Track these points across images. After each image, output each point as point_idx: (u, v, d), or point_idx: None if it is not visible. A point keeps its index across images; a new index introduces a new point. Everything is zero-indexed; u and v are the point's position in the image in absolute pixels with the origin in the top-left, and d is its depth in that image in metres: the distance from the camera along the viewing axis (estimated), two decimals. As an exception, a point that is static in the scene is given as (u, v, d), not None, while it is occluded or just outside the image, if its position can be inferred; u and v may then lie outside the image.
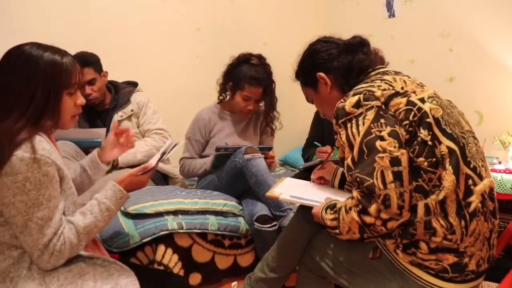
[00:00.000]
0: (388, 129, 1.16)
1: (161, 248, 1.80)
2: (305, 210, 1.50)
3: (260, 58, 2.30)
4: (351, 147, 1.19)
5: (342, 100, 1.25)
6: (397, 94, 1.22)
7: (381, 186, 1.12)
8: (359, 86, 1.28)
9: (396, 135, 1.16)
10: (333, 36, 1.50)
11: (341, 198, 1.33)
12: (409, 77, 1.35)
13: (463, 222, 1.16)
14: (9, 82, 1.14)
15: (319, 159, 2.31)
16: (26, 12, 2.56)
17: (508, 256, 2.16)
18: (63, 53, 1.20)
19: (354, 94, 1.23)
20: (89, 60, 2.30)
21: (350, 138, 1.20)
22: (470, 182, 1.19)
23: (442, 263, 1.17)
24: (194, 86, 3.08)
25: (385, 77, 1.30)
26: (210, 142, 2.34)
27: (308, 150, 2.64)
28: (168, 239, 1.82)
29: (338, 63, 1.41)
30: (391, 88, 1.24)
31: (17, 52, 1.16)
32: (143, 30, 2.92)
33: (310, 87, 1.50)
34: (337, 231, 1.25)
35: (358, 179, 1.16)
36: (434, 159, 1.17)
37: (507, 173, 2.26)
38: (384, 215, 1.13)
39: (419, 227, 1.16)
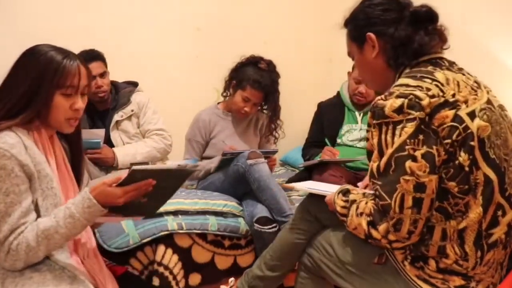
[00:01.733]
0: (424, 149, 1.06)
1: (161, 248, 1.80)
2: (306, 210, 1.50)
3: (269, 64, 2.28)
4: (380, 153, 1.12)
5: (383, 97, 1.12)
6: (445, 104, 1.08)
7: (397, 210, 1.08)
8: (404, 82, 1.13)
9: (431, 158, 1.06)
10: None
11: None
12: (463, 74, 1.21)
13: (479, 253, 1.11)
14: (11, 77, 1.15)
15: (319, 159, 2.32)
16: (25, 12, 2.55)
17: (508, 256, 2.15)
18: (68, 54, 1.18)
19: (398, 96, 1.09)
20: (99, 55, 2.39)
21: (382, 144, 1.11)
22: (499, 213, 1.12)
23: (448, 284, 1.14)
24: (194, 86, 3.07)
25: (437, 74, 1.14)
26: (210, 143, 2.34)
27: (308, 150, 2.64)
28: (168, 239, 1.82)
29: (395, 32, 1.22)
30: (441, 94, 1.09)
31: (28, 50, 1.18)
32: (143, 30, 2.92)
33: (355, 43, 1.32)
34: (345, 219, 1.23)
35: (377, 192, 1.12)
36: (466, 186, 1.09)
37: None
38: (391, 237, 1.11)
39: (432, 249, 1.13)
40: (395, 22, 1.23)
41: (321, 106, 2.70)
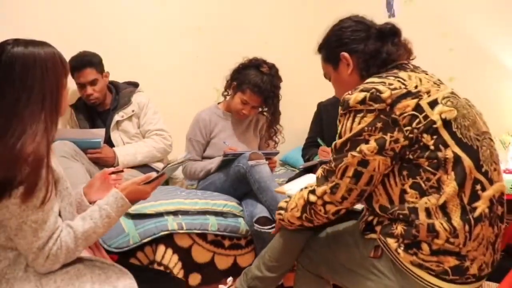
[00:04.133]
0: (379, 135, 1.17)
1: (161, 248, 1.80)
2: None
3: (272, 68, 2.27)
4: (340, 136, 1.25)
5: (350, 92, 1.23)
6: (408, 94, 1.18)
7: (338, 176, 1.23)
8: (370, 80, 1.24)
9: (382, 142, 1.16)
10: (366, 17, 1.45)
11: None
12: (427, 74, 1.32)
13: (467, 227, 1.15)
14: (17, 90, 1.11)
15: (319, 159, 2.31)
16: (25, 12, 2.56)
17: (508, 256, 2.16)
18: (50, 45, 1.19)
19: (362, 90, 1.20)
20: (91, 61, 2.32)
21: (342, 130, 1.24)
22: (478, 187, 1.18)
23: (443, 265, 1.17)
24: (194, 86, 3.08)
25: (400, 73, 1.26)
26: (210, 143, 2.34)
27: (308, 150, 2.64)
28: (168, 239, 1.82)
29: (365, 47, 1.36)
30: (403, 87, 1.19)
31: (10, 57, 1.12)
32: (143, 30, 2.92)
33: (330, 64, 1.45)
34: (282, 211, 1.41)
35: (330, 162, 1.26)
36: (435, 161, 1.16)
37: (507, 173, 2.26)
38: (326, 198, 1.25)
39: (422, 229, 1.16)
40: (364, 40, 1.37)
41: (321, 106, 2.70)
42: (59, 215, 1.15)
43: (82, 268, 1.17)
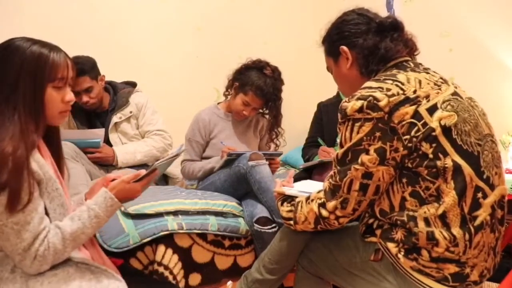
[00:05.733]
0: (378, 144, 1.16)
1: (161, 248, 1.80)
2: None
3: (275, 71, 2.27)
4: (341, 145, 1.25)
5: (347, 99, 1.22)
6: (406, 100, 1.16)
7: (345, 191, 1.22)
8: (368, 85, 1.22)
9: (382, 152, 1.16)
10: (370, 10, 1.41)
11: None
12: (428, 72, 1.29)
13: (467, 235, 1.15)
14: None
15: (319, 159, 2.31)
16: (25, 11, 2.56)
17: (508, 256, 2.16)
18: (52, 47, 1.16)
19: (359, 98, 1.18)
20: (83, 69, 2.23)
21: (342, 139, 1.24)
22: (480, 195, 1.17)
23: (443, 272, 1.16)
24: (194, 86, 3.08)
25: (399, 76, 1.22)
26: (210, 143, 2.34)
27: (308, 150, 2.64)
28: (168, 239, 1.82)
29: (364, 42, 1.33)
30: (400, 92, 1.17)
31: (6, 45, 1.14)
32: (143, 30, 2.92)
33: (332, 57, 1.44)
34: (291, 222, 1.37)
35: (334, 175, 1.25)
36: (434, 170, 1.14)
37: (507, 173, 2.26)
38: (338, 213, 1.25)
39: (421, 237, 1.15)
40: (364, 33, 1.35)
41: (321, 106, 2.71)
42: (48, 216, 1.14)
43: (72, 272, 1.14)
